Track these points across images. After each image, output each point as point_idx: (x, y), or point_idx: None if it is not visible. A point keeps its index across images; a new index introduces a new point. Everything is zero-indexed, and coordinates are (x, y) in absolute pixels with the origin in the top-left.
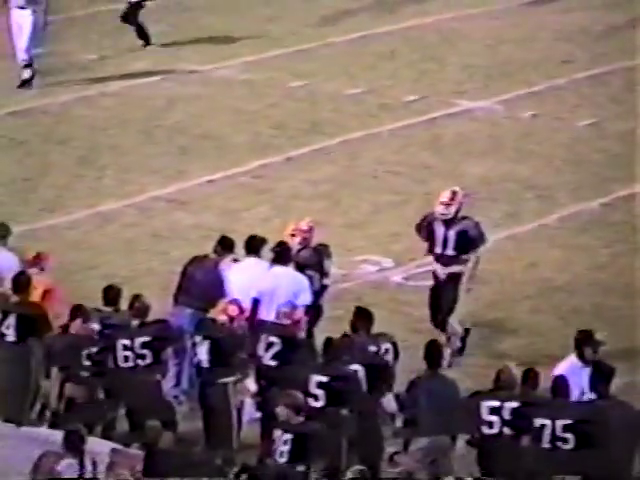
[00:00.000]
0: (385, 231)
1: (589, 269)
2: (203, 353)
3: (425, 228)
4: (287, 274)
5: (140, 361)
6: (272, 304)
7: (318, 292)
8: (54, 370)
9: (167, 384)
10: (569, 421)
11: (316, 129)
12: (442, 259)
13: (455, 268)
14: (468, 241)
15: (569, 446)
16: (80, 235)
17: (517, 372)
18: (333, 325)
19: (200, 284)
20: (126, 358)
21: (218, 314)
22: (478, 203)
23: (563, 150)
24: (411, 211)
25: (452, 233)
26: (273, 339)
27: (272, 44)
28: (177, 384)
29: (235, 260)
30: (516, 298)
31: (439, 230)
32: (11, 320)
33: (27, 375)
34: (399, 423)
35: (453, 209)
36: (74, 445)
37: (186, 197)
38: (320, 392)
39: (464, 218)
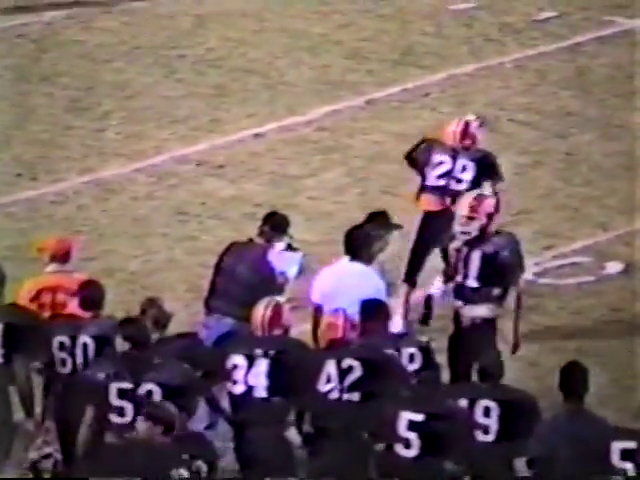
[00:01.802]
0: (507, 206)
1: None
2: (259, 377)
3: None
4: (356, 272)
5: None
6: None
7: None
8: None
9: (196, 425)
10: None
11: (408, 60)
12: (463, 293)
13: (482, 310)
14: (498, 268)
15: None
16: (72, 211)
17: None
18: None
19: (243, 282)
20: None
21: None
22: None
23: None
24: (547, 177)
25: (476, 255)
26: (352, 362)
27: None
28: (211, 425)
29: (290, 247)
30: None
31: (460, 250)
32: None
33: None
34: None
35: (476, 225)
36: None
37: (223, 158)
38: (412, 436)
39: (497, 233)
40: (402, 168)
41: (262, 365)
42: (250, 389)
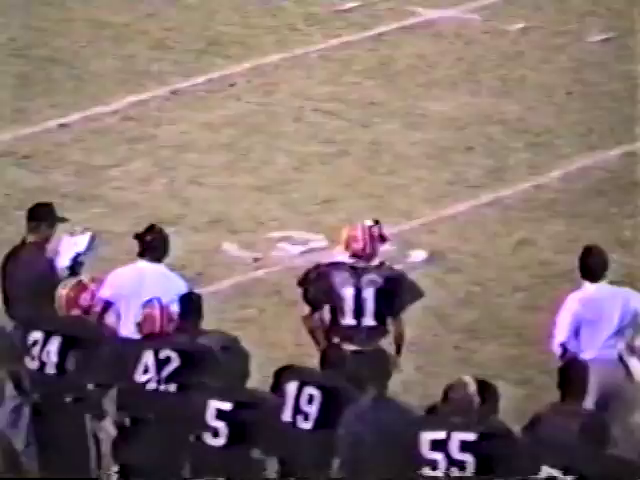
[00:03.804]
0: (313, 196)
1: (608, 248)
2: (51, 355)
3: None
4: (159, 274)
5: None
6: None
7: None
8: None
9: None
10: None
11: (214, 50)
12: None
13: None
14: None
15: None
16: None
17: (474, 388)
18: (241, 330)
19: (24, 285)
20: None
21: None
22: (444, 154)
23: (567, 77)
24: (350, 167)
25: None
26: (169, 353)
27: None
28: (16, 422)
29: (73, 233)
30: (501, 290)
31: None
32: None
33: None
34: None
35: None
36: None
37: (27, 148)
38: (221, 425)
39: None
40: (208, 157)
41: (55, 342)
42: (43, 365)
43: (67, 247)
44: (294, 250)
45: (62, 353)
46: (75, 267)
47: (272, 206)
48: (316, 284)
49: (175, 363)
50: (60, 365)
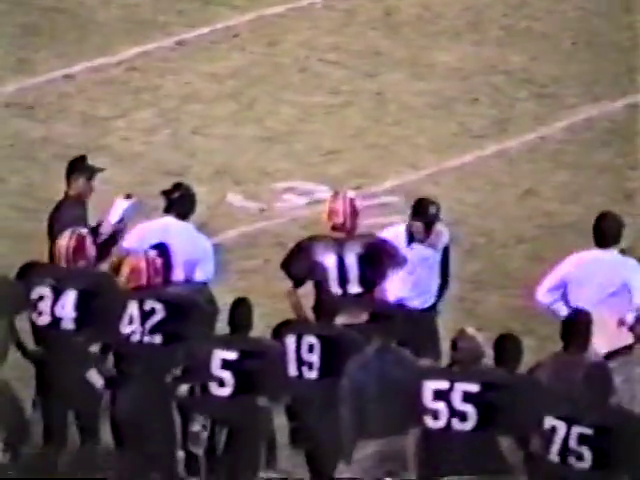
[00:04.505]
0: (318, 146)
1: (612, 199)
2: (67, 308)
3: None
4: (185, 232)
5: None
6: None
7: None
8: None
9: None
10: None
11: (218, 0)
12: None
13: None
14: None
15: (585, 464)
16: None
17: (482, 339)
18: (246, 280)
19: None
20: None
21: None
22: (449, 104)
23: (572, 27)
24: (356, 117)
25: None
26: (154, 304)
27: None
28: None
29: (129, 196)
30: (506, 241)
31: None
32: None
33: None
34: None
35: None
36: None
37: (31, 99)
38: (226, 374)
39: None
40: (213, 108)
41: (70, 296)
42: (56, 320)
43: (115, 210)
44: (299, 201)
45: (80, 307)
46: (116, 230)
47: (277, 157)
48: (297, 258)
49: (160, 314)
50: (78, 319)
